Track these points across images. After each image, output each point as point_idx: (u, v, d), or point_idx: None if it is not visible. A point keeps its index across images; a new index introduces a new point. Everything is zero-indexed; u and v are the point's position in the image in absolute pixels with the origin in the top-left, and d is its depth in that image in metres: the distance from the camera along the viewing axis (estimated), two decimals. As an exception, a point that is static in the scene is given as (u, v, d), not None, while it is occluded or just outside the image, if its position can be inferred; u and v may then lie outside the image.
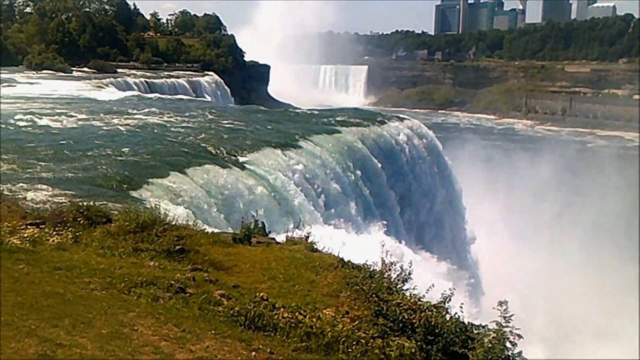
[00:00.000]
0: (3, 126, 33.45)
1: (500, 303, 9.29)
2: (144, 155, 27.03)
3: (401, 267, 10.59)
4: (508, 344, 9.19)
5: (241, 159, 28.45)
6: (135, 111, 42.62)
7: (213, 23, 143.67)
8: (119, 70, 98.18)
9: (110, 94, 61.98)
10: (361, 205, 32.69)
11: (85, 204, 12.30)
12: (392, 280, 10.40)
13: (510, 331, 9.15)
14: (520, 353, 9.46)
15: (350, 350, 7.88)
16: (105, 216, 12.02)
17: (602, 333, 40.68)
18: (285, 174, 28.30)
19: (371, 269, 10.83)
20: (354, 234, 24.62)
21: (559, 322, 42.26)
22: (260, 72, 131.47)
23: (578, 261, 50.78)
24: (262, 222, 14.38)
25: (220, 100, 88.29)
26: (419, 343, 8.76)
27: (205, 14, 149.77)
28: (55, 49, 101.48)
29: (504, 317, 9.19)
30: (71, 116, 38.97)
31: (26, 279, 7.96)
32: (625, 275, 47.04)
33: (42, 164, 23.93)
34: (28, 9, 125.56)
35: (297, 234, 13.40)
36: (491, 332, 9.27)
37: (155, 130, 34.98)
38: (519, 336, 9.17)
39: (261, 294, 8.80)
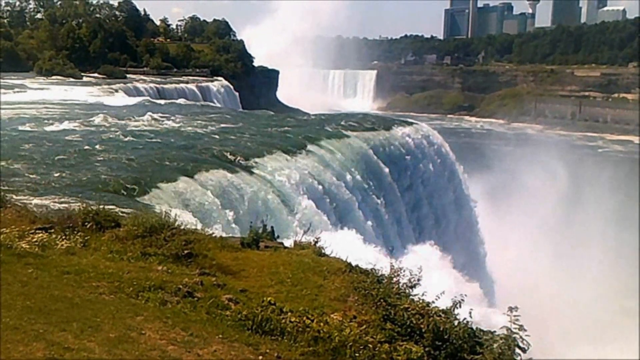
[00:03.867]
0: (14, 132, 33.67)
1: (511, 309, 9.20)
2: (153, 160, 27.11)
3: (410, 273, 10.55)
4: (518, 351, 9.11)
5: (249, 164, 28.49)
6: (144, 116, 42.77)
7: (222, 28, 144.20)
8: (128, 75, 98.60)
9: (120, 99, 62.26)
10: (370, 211, 32.64)
11: (94, 208, 12.34)
12: (400, 285, 10.37)
13: (521, 337, 9.06)
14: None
15: (357, 354, 7.85)
16: (113, 221, 12.06)
17: (604, 335, 40.46)
18: (293, 178, 28.31)
19: (379, 274, 10.81)
20: (361, 239, 24.54)
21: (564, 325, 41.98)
22: (269, 77, 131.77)
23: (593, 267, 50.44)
24: (271, 227, 14.39)
25: (229, 105, 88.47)
26: (426, 348, 8.72)
27: (214, 20, 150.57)
28: (65, 55, 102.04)
29: (515, 323, 9.10)
30: (80, 122, 39.16)
31: (35, 283, 8.00)
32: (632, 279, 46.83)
33: (51, 168, 24.05)
34: (39, 15, 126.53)
35: (306, 238, 13.38)
36: (500, 338, 9.19)
37: (164, 135, 35.09)
38: (529, 343, 9.08)
39: (269, 298, 8.80)
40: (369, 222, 31.18)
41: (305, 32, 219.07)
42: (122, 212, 15.46)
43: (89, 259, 9.70)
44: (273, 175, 27.88)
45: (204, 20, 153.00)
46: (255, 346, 7.25)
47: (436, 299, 10.00)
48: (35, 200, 18.19)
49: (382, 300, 9.55)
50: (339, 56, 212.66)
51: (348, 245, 16.88)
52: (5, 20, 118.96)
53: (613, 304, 45.08)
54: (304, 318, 8.27)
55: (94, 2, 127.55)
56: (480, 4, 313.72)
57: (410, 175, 40.43)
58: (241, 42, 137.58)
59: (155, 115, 43.29)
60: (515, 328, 8.98)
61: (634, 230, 56.16)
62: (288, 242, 13.75)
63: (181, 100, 67.84)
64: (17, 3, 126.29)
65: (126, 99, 62.53)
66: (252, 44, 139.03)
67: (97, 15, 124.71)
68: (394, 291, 10.07)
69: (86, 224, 11.61)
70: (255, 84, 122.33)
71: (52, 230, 10.98)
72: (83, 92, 66.60)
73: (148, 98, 68.38)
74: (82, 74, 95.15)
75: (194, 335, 7.06)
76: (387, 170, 37.10)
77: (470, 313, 9.54)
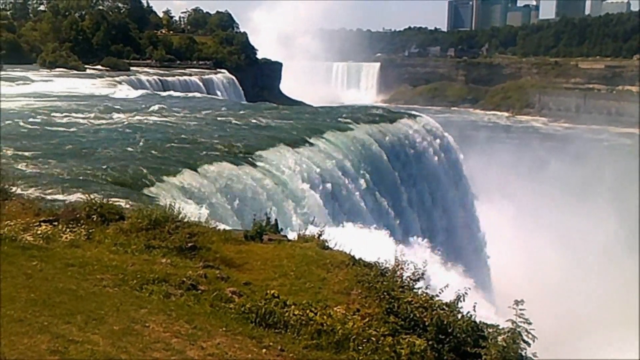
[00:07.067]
0: (18, 125, 33.70)
1: (517, 302, 9.17)
2: (157, 152, 27.14)
3: (414, 266, 10.54)
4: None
5: (253, 156, 28.47)
6: (148, 109, 42.78)
7: (225, 21, 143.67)
8: (132, 68, 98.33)
9: (124, 91, 62.25)
10: (372, 204, 32.62)
11: (98, 201, 12.36)
12: (404, 278, 10.36)
13: (526, 330, 9.04)
14: (535, 354, 9.36)
15: (360, 347, 7.87)
16: (118, 213, 12.08)
17: (606, 334, 40.16)
18: (297, 171, 28.29)
19: (383, 267, 10.81)
20: (365, 233, 24.54)
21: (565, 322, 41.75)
22: (273, 70, 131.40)
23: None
24: (275, 220, 14.39)
25: (233, 98, 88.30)
26: (430, 342, 8.73)
27: (217, 12, 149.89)
28: (68, 47, 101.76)
29: (520, 317, 9.07)
30: (84, 114, 39.19)
31: (39, 275, 8.02)
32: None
33: (55, 161, 24.08)
34: (42, 7, 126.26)
35: (309, 231, 13.38)
36: (505, 331, 9.17)
37: (168, 128, 35.10)
38: (534, 337, 9.05)
39: (272, 291, 8.81)
40: (372, 215, 31.17)
41: (309, 24, 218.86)
42: (126, 205, 15.48)
43: (93, 251, 9.73)
44: (277, 168, 27.86)
45: (207, 12, 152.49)
46: (258, 339, 7.28)
47: (440, 292, 9.99)
48: (40, 193, 18.22)
49: (385, 293, 9.55)
50: (342, 48, 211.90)
51: (351, 238, 16.88)
52: (8, 12, 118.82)
53: (615, 300, 44.74)
54: (308, 311, 8.28)
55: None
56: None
57: (414, 167, 40.36)
58: (244, 34, 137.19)
59: (158, 108, 43.30)
60: (520, 321, 8.96)
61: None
62: (292, 235, 13.75)
63: (185, 93, 67.76)
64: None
65: (130, 92, 62.48)
66: (253, 35, 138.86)
67: (100, 7, 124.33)
68: (397, 284, 10.06)
69: (90, 216, 11.64)
70: (258, 76, 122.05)
71: (57, 223, 11.00)
72: (86, 85, 66.54)
73: (151, 90, 68.33)
74: (85, 66, 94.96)
75: (197, 328, 7.08)
76: (390, 163, 37.05)
77: (474, 307, 9.54)
